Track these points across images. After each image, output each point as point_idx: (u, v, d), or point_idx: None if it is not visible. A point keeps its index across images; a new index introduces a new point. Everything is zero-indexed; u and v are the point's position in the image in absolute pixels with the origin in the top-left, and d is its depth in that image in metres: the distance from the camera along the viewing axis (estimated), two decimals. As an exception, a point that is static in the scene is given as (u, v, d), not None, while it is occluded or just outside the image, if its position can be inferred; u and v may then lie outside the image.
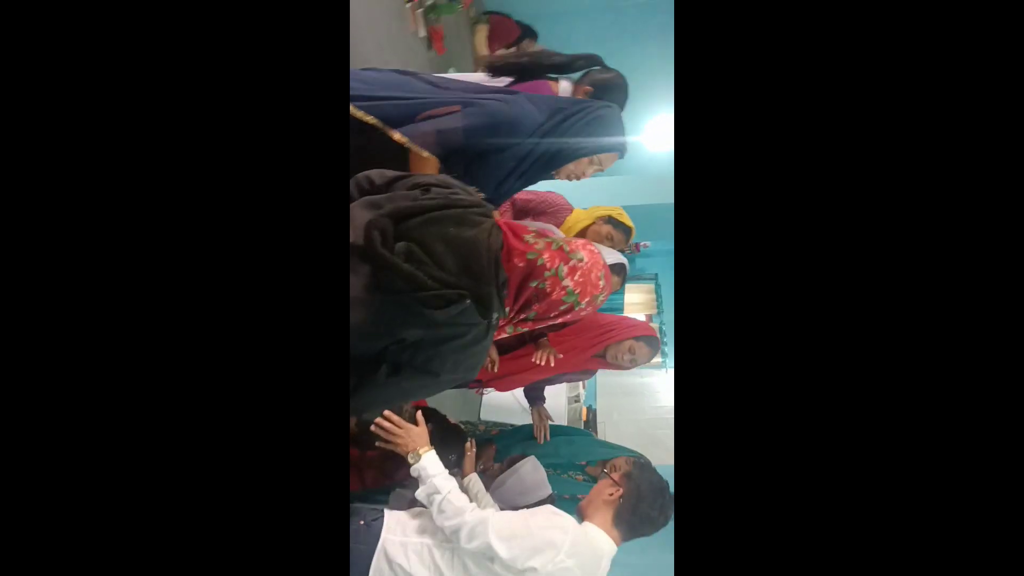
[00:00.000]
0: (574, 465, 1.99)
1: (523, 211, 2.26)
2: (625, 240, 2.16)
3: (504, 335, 1.21)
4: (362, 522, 1.37)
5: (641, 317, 6.78)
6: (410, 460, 1.41)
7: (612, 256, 2.01)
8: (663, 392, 4.66)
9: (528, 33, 5.33)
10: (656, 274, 6.75)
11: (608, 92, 1.95)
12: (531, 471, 1.64)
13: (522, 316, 1.10)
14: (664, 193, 4.65)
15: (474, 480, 1.65)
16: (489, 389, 2.26)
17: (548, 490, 1.64)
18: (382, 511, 1.43)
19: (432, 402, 1.81)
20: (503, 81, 1.86)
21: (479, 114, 1.45)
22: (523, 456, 1.70)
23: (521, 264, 1.05)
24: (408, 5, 3.74)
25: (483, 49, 5.31)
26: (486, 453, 1.93)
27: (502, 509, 1.49)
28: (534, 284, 1.06)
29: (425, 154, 1.43)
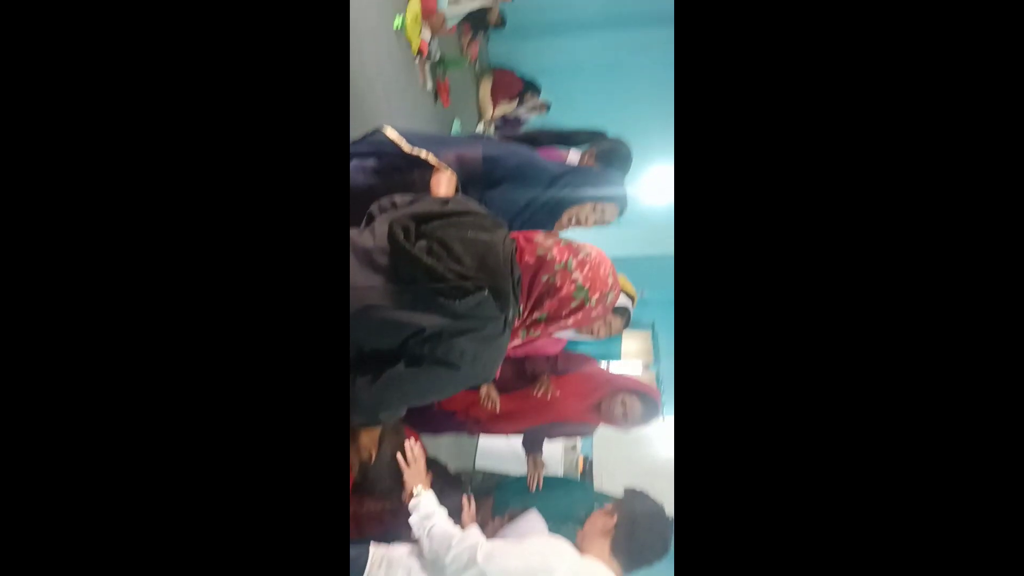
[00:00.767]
0: (572, 517, 2.00)
1: None
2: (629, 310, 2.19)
3: (517, 341, 1.21)
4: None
5: (638, 364, 6.79)
6: (413, 494, 1.41)
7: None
8: (661, 442, 4.64)
9: (530, 87, 5.50)
10: (653, 322, 6.79)
11: (613, 160, 2.04)
12: (532, 524, 1.65)
13: (535, 315, 1.11)
14: (663, 244, 4.73)
15: (472, 533, 1.66)
16: (480, 435, 2.27)
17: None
18: (367, 547, 1.41)
19: (429, 448, 1.83)
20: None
21: (498, 147, 1.59)
22: (523, 509, 1.71)
23: (532, 260, 1.07)
24: (417, 60, 3.87)
25: (487, 101, 5.48)
26: (484, 505, 1.94)
27: None
28: (545, 278, 1.07)
29: (446, 169, 1.52)
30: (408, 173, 1.57)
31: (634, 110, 6.23)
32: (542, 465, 2.21)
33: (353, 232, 1.07)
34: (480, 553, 1.25)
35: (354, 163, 1.65)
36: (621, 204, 1.78)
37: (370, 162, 1.64)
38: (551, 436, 2.29)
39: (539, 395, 2.00)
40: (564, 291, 1.06)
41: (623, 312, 2.04)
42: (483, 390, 2.10)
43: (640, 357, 6.73)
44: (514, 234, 1.10)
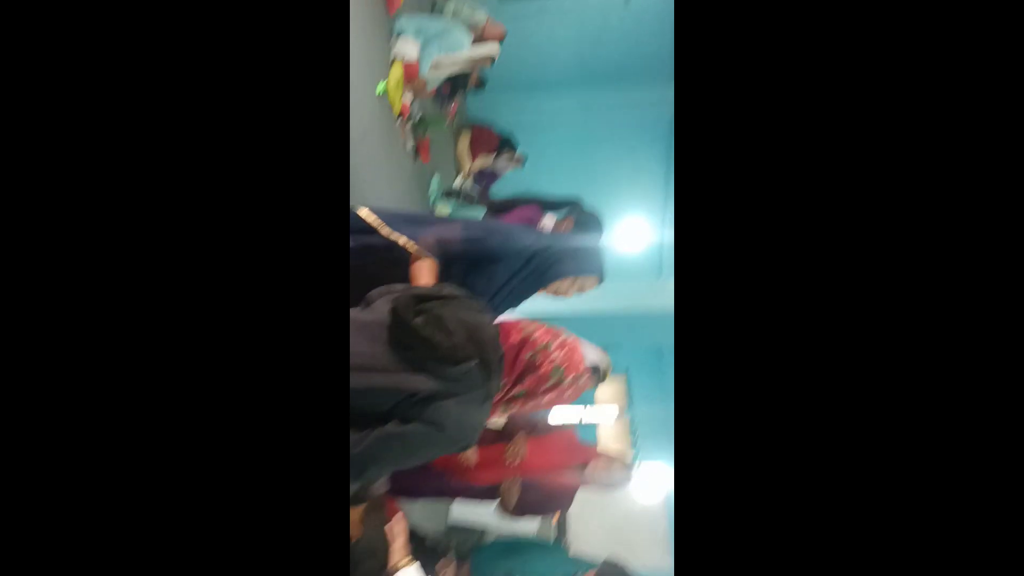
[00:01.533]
0: None
1: None
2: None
3: (497, 414, 1.30)
4: None
5: (613, 409, 6.88)
6: (397, 568, 1.50)
7: (590, 355, 2.17)
8: (635, 491, 4.72)
9: (507, 142, 5.70)
10: (628, 368, 6.93)
11: (586, 227, 2.20)
12: None
13: (515, 391, 1.22)
14: (639, 297, 4.87)
15: None
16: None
17: None
18: None
19: (403, 509, 1.90)
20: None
21: (476, 227, 1.63)
22: None
23: (516, 339, 1.19)
24: (398, 123, 4.03)
25: (465, 155, 5.66)
26: (462, 571, 2.01)
27: None
28: (528, 355, 1.19)
29: (426, 257, 1.58)
30: (386, 254, 1.65)
31: (607, 166, 6.47)
32: (523, 441, 2.17)
33: (354, 311, 1.19)
34: None
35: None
36: (600, 275, 1.87)
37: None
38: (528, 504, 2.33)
39: (511, 460, 2.08)
40: (543, 370, 1.19)
41: (595, 371, 2.16)
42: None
43: (614, 401, 6.83)
44: (500, 322, 1.23)
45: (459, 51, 4.19)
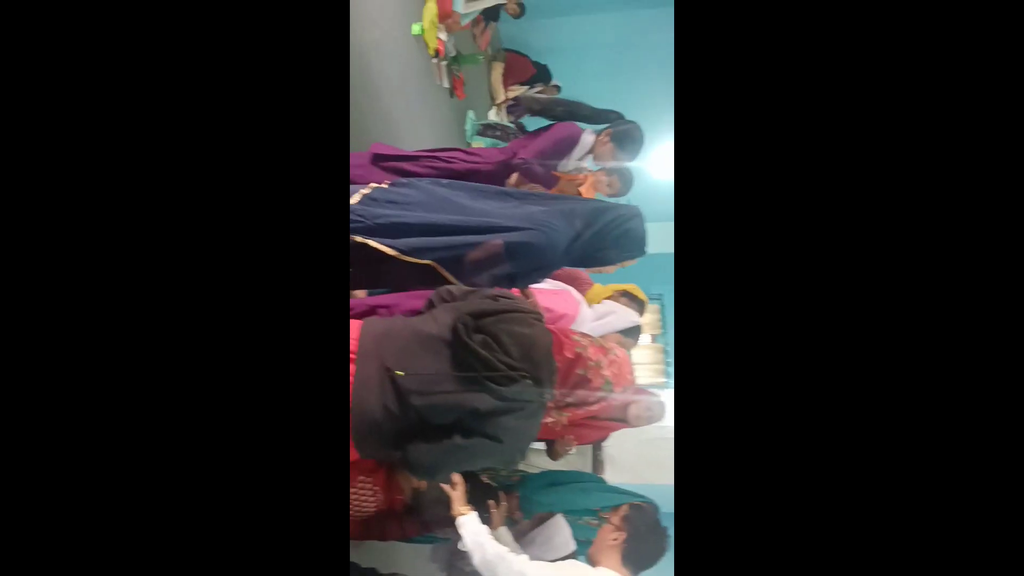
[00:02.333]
0: (588, 512, 2.29)
1: (556, 277, 2.53)
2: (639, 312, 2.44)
3: (551, 419, 1.45)
4: None
5: (646, 337, 7.04)
6: (458, 514, 1.69)
7: (628, 317, 2.29)
8: (662, 438, 4.94)
9: (542, 74, 5.60)
10: (661, 295, 7.02)
11: (626, 142, 2.25)
12: (558, 529, 1.94)
13: (567, 400, 1.37)
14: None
15: (503, 533, 1.95)
16: None
17: (573, 546, 1.94)
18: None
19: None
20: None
21: (521, 249, 1.57)
22: (551, 514, 2.00)
23: (571, 355, 1.33)
24: (434, 61, 4.02)
25: (499, 86, 5.60)
26: (511, 502, 2.22)
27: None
28: (580, 372, 1.33)
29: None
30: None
31: (640, 89, 6.32)
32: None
33: (417, 319, 1.32)
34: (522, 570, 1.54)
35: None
36: (640, 255, 1.81)
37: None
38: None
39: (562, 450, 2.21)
40: (593, 383, 1.32)
41: (634, 332, 2.28)
42: None
43: (647, 330, 6.98)
44: (551, 328, 1.35)
45: (493, -16, 4.10)
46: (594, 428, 2.31)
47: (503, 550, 1.61)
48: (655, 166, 6.45)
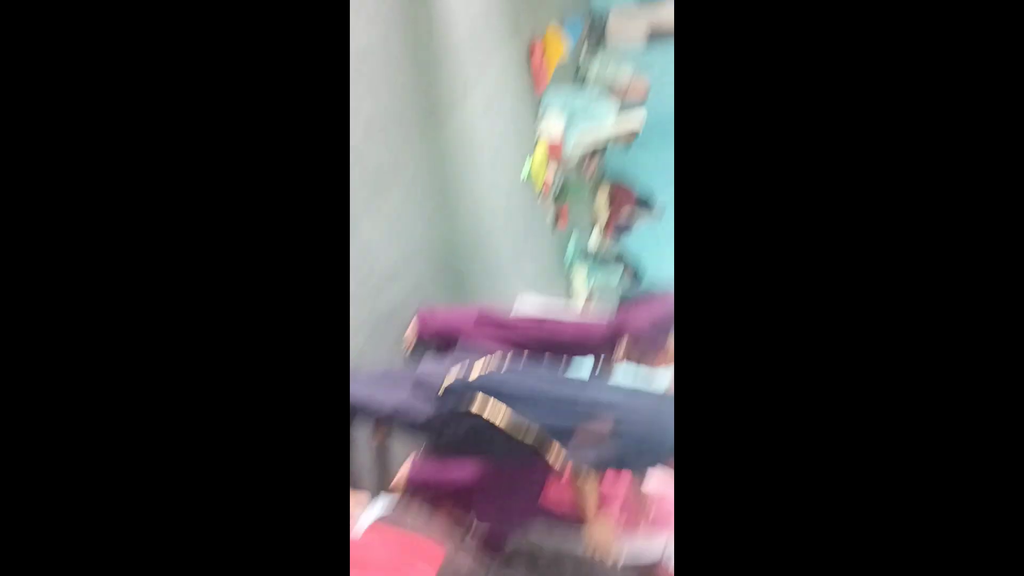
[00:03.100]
0: None
1: None
2: None
3: None
4: None
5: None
6: None
7: None
8: None
9: (644, 202, 5.66)
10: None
11: None
12: None
13: None
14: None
15: None
16: None
17: None
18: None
19: None
20: None
21: (631, 437, 1.56)
22: None
23: None
24: (540, 198, 4.17)
25: (603, 210, 5.70)
26: None
27: None
28: None
29: (587, 478, 1.57)
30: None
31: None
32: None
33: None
34: None
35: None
36: None
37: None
38: None
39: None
40: None
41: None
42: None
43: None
44: None
45: (603, 124, 4.25)
46: None
47: None
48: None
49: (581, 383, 1.79)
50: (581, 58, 5.54)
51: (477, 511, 1.83)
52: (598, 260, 5.02)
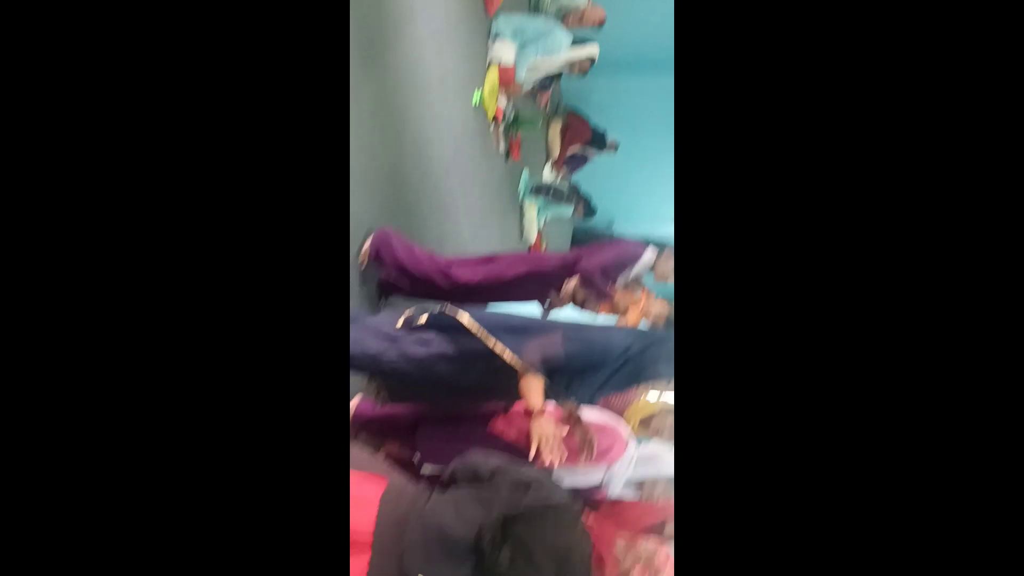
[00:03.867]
0: None
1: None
2: None
3: None
4: None
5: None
6: None
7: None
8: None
9: (599, 137, 5.56)
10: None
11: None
12: None
13: None
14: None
15: None
16: None
17: None
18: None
19: None
20: None
21: (577, 339, 1.68)
22: None
23: (614, 573, 1.27)
24: (492, 127, 4.03)
25: (556, 143, 5.58)
26: None
27: None
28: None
29: (534, 376, 1.64)
30: (488, 363, 1.72)
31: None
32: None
33: (440, 506, 1.24)
34: None
35: (425, 347, 1.76)
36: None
37: (445, 347, 1.75)
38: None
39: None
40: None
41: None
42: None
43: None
44: (589, 527, 1.28)
45: (557, 52, 4.09)
46: None
47: None
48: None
49: (532, 317, 1.86)
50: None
51: (421, 450, 1.83)
52: (551, 194, 4.94)
